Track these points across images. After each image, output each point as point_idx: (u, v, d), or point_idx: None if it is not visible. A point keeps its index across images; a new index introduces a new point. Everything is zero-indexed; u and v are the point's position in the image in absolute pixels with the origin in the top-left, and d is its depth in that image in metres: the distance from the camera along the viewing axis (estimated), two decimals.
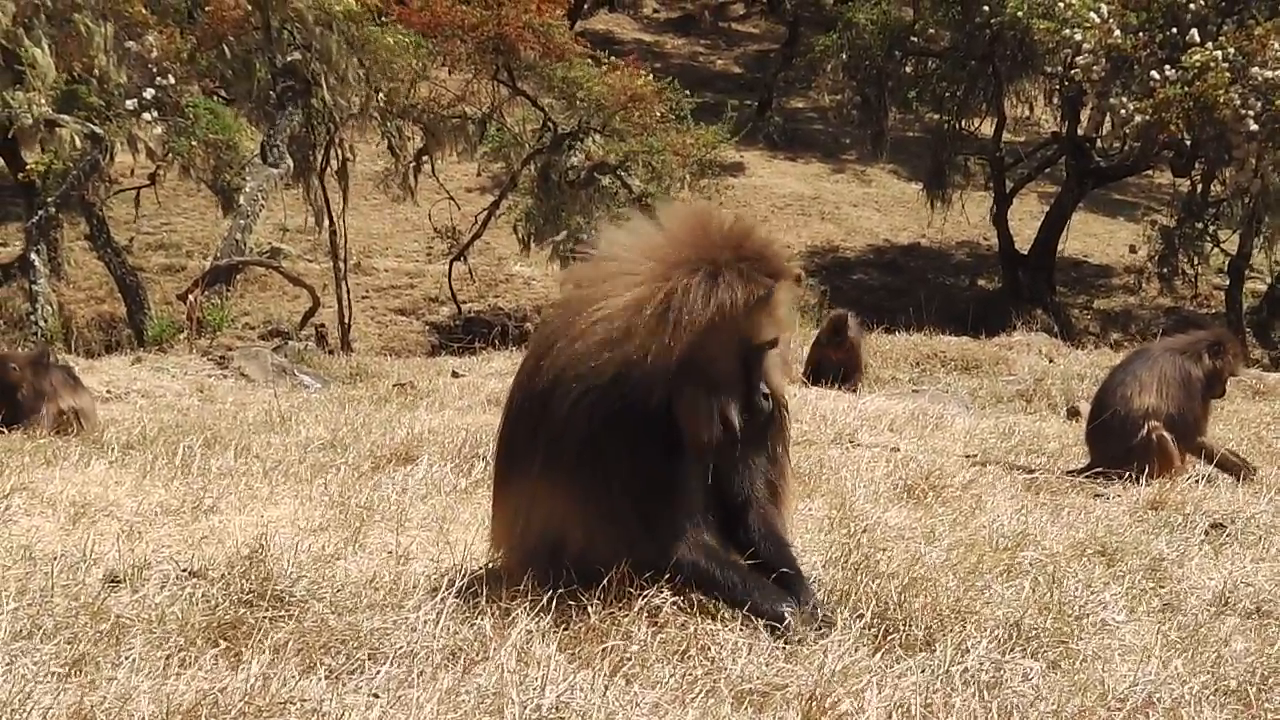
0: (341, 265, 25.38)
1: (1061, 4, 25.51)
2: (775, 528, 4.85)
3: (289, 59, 23.17)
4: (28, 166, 22.28)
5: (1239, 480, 8.37)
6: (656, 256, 4.59)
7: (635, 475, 4.54)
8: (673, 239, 4.64)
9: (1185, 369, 8.76)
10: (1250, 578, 5.63)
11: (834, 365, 14.82)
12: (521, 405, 4.85)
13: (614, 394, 4.47)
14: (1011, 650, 4.38)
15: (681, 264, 4.51)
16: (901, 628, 4.51)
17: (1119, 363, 9.96)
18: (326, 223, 25.46)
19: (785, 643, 4.34)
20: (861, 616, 4.56)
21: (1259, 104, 23.50)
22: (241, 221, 22.38)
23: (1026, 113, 33.70)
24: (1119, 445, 8.54)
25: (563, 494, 4.64)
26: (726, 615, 4.50)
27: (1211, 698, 4.09)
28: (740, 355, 4.56)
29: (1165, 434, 8.51)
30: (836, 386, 13.99)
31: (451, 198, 28.30)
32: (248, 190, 22.47)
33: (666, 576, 4.51)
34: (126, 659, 4.01)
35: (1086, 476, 8.45)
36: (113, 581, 4.92)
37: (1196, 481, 8.06)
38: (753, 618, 4.47)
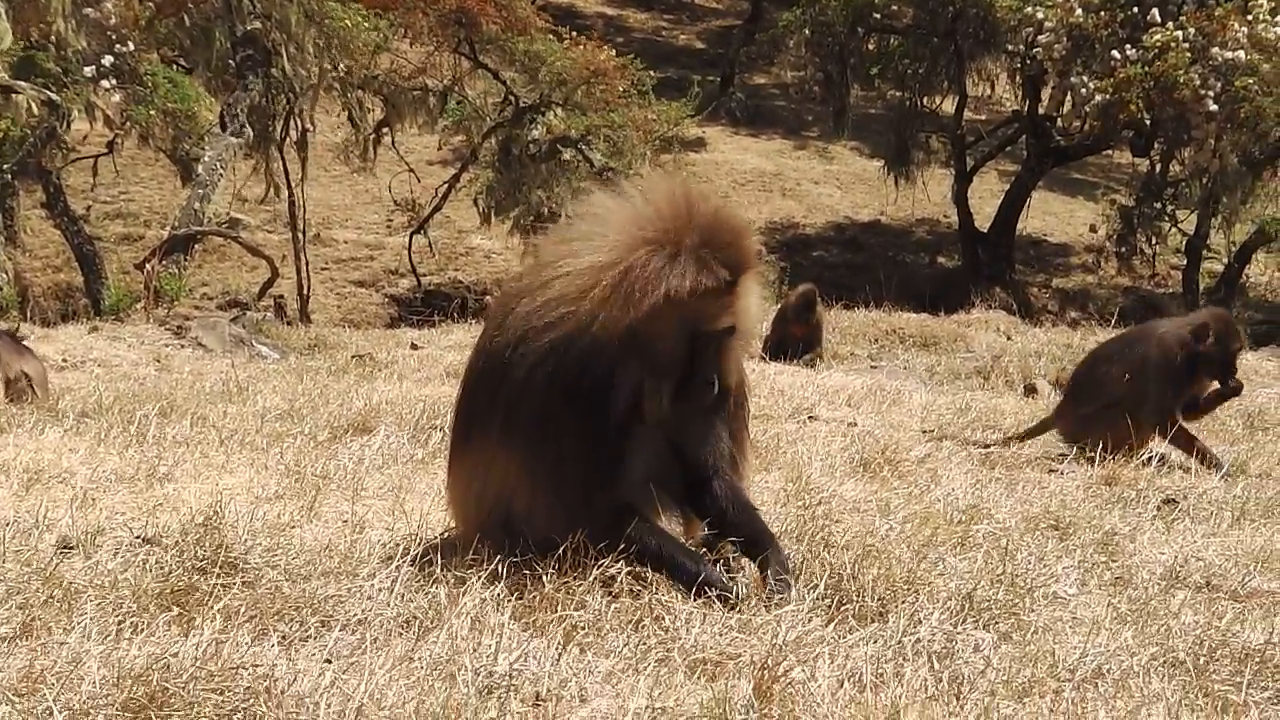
0: (300, 236, 25.25)
1: None
2: (740, 495, 4.89)
3: (249, 28, 22.95)
4: None
5: (1207, 468, 8.27)
6: (627, 229, 4.60)
7: (583, 446, 4.58)
8: (647, 214, 4.64)
9: (1169, 350, 8.62)
10: (1201, 552, 5.70)
11: (796, 341, 14.89)
12: (483, 368, 4.88)
13: (570, 359, 4.49)
14: (964, 621, 4.42)
15: (648, 240, 4.52)
16: (855, 598, 4.54)
17: (1106, 340, 9.96)
18: (286, 193, 25.29)
19: (738, 611, 4.36)
20: (815, 588, 4.58)
21: (1219, 84, 23.64)
22: (200, 191, 22.17)
23: (988, 91, 33.69)
24: (1087, 411, 8.57)
25: (517, 461, 4.68)
26: (677, 586, 4.52)
27: (1160, 669, 4.13)
28: (686, 340, 4.56)
29: (1140, 415, 8.46)
30: (796, 362, 14.03)
31: (412, 170, 28.16)
32: (206, 160, 22.25)
33: (618, 550, 4.53)
34: (78, 624, 4.00)
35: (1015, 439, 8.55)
36: (65, 548, 4.90)
37: (1149, 460, 8.11)
38: (705, 591, 4.48)
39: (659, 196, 4.70)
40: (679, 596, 4.45)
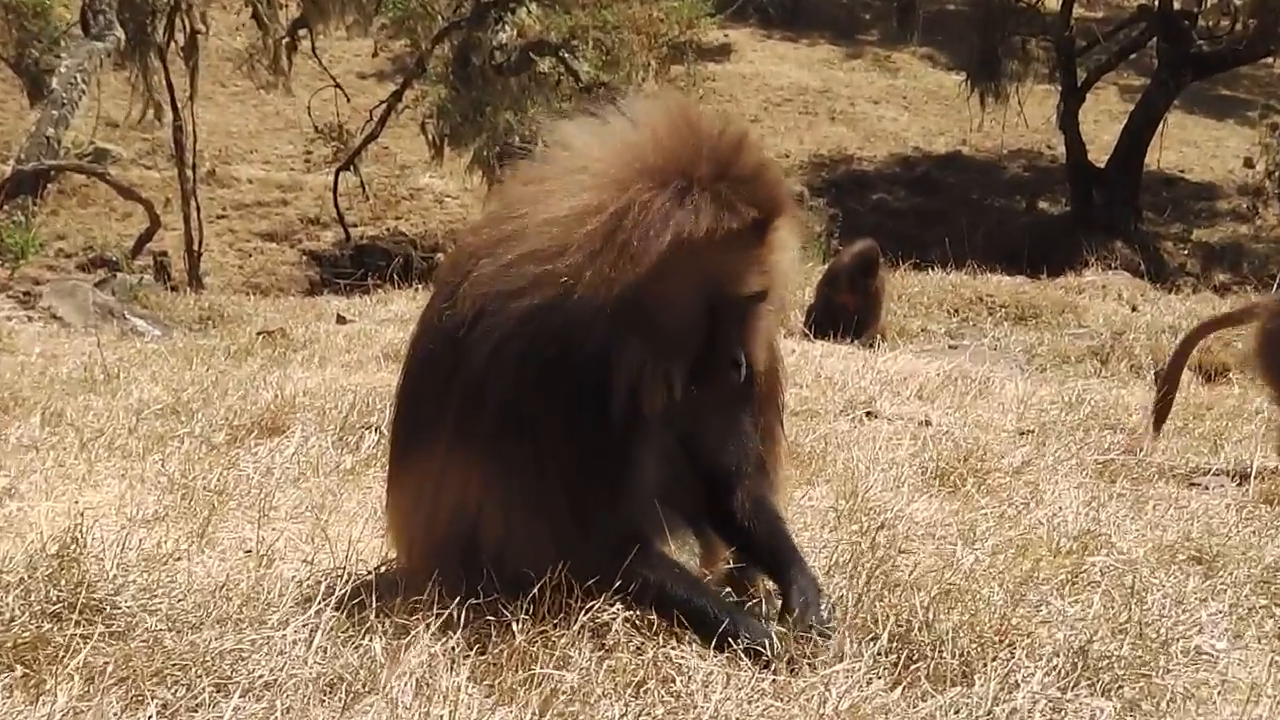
0: (190, 174, 25.23)
1: None
2: (765, 504, 4.90)
3: None
4: None
5: None
6: (618, 159, 4.57)
7: (570, 451, 4.54)
8: (644, 140, 4.61)
9: None
10: None
11: (849, 313, 14.89)
12: (430, 352, 4.84)
13: (549, 335, 4.46)
14: (1075, 685, 4.39)
15: (647, 173, 4.49)
16: (929, 654, 4.51)
17: None
18: (170, 117, 25.25)
19: (772, 672, 4.34)
20: (876, 639, 4.55)
21: None
22: (54, 113, 22.14)
23: None
24: None
25: (480, 473, 4.65)
26: (694, 636, 4.50)
27: None
28: (703, 307, 4.55)
29: None
30: (849, 341, 14.03)
31: (339, 86, 28.16)
32: (63, 71, 22.23)
33: (615, 588, 4.51)
34: None
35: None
36: None
37: None
38: (729, 643, 4.47)
39: (657, 118, 4.68)
40: (694, 649, 4.43)
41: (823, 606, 4.65)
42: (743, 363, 4.59)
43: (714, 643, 4.47)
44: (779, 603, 4.84)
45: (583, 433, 4.52)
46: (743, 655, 4.42)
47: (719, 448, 4.80)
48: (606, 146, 4.66)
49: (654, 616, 4.54)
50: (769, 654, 4.42)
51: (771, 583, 4.91)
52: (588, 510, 4.56)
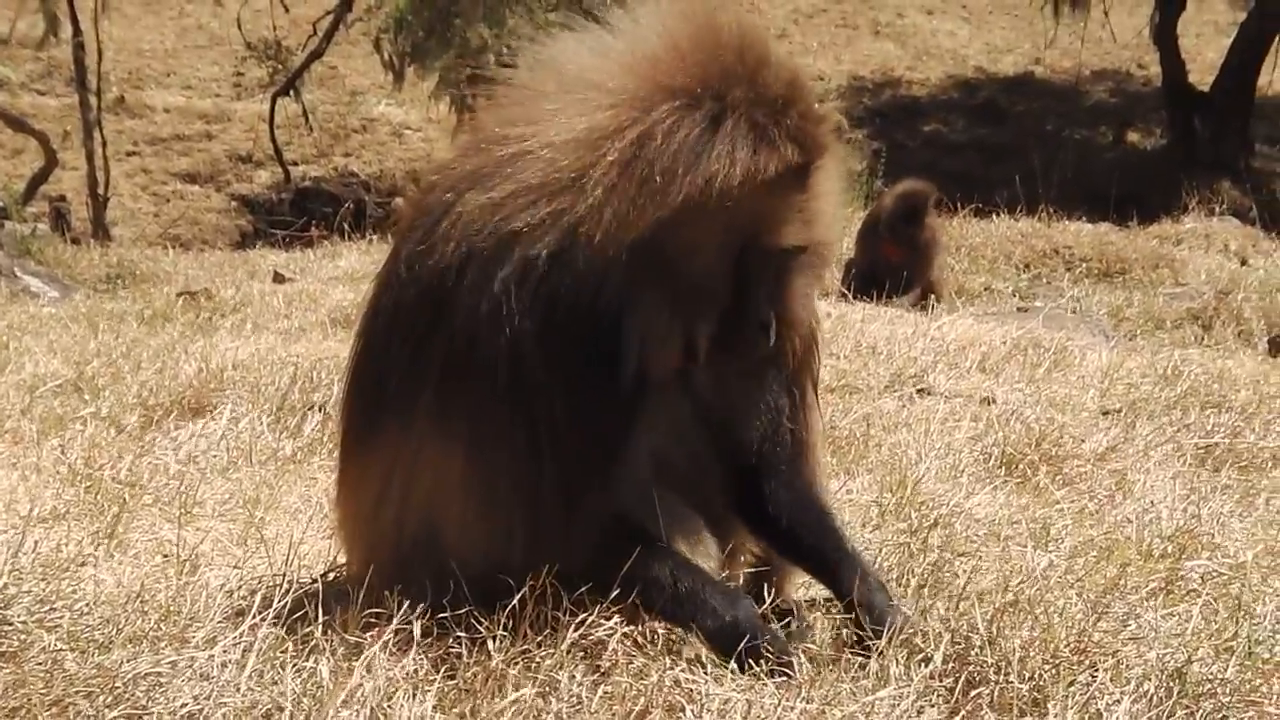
0: (93, 101, 25.21)
1: None
2: (808, 493, 4.95)
3: None
4: None
5: None
6: (636, 73, 4.58)
7: (576, 430, 4.55)
8: (665, 53, 4.62)
9: None
10: None
11: (894, 268, 14.89)
12: (397, 312, 4.82)
13: (556, 288, 4.45)
14: (1170, 714, 4.41)
15: (673, 91, 4.51)
16: (992, 678, 4.54)
17: None
18: (68, 31, 25.24)
19: (801, 694, 4.36)
20: (928, 659, 4.58)
21: None
22: None
23: None
24: None
25: (460, 461, 4.63)
26: (709, 653, 4.52)
27: None
28: (734, 257, 4.58)
29: None
30: (893, 302, 14.05)
31: None
32: None
33: (611, 594, 4.53)
34: None
35: None
36: None
37: None
38: (751, 662, 4.49)
39: (676, 28, 4.68)
40: (708, 672, 4.45)
41: (892, 604, 4.68)
42: (772, 325, 4.60)
43: (733, 658, 4.50)
44: (813, 616, 4.87)
45: (594, 410, 4.53)
46: (765, 677, 4.44)
47: (746, 424, 4.83)
48: (621, 58, 4.67)
49: (660, 627, 4.56)
50: (796, 676, 4.45)
51: (821, 585, 4.92)
52: (586, 496, 4.57)
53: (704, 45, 4.58)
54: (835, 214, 4.78)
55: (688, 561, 4.72)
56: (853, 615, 4.70)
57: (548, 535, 4.54)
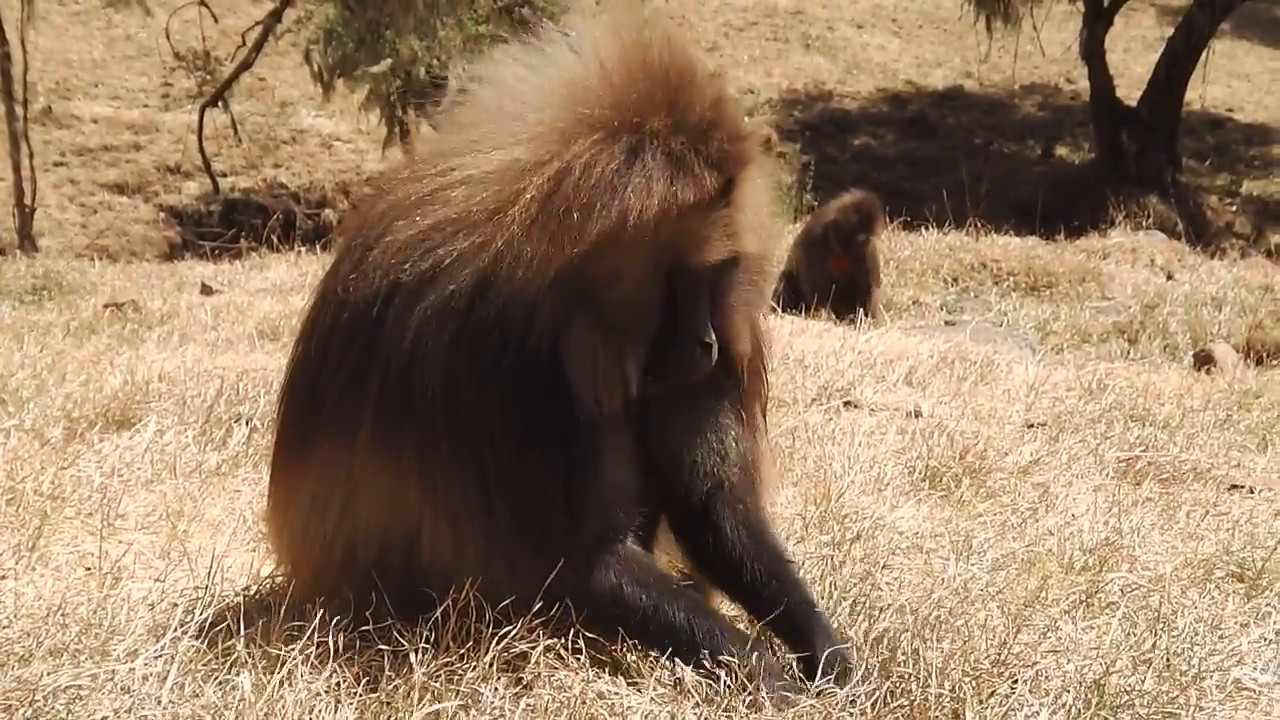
0: (19, 111, 25.11)
1: None
2: (761, 529, 4.95)
3: None
4: None
5: None
6: (558, 103, 4.60)
7: (518, 457, 4.57)
8: (590, 79, 4.65)
9: None
10: None
11: (833, 280, 14.91)
12: (333, 330, 4.84)
13: (481, 319, 4.48)
14: None
15: (593, 123, 4.53)
16: (913, 688, 4.56)
17: None
18: None
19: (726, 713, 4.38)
20: (849, 671, 4.60)
21: None
22: None
23: None
24: None
25: (416, 479, 4.65)
26: (636, 667, 4.53)
27: None
28: (663, 279, 4.59)
29: None
30: (823, 313, 14.08)
31: (204, 3, 28.05)
32: None
33: (579, 612, 4.55)
34: None
35: None
36: None
37: None
38: (720, 671, 4.50)
39: (605, 49, 4.69)
40: (632, 686, 4.46)
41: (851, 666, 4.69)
42: (713, 342, 4.61)
43: (707, 665, 4.52)
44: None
45: (529, 433, 4.55)
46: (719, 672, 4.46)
47: (689, 451, 4.83)
48: (544, 86, 4.68)
49: (583, 640, 4.56)
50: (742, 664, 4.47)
51: (780, 640, 4.93)
52: (542, 521, 4.58)
53: (628, 68, 4.60)
54: (766, 225, 4.79)
55: (667, 579, 4.78)
56: (803, 663, 4.72)
57: (530, 556, 4.56)
